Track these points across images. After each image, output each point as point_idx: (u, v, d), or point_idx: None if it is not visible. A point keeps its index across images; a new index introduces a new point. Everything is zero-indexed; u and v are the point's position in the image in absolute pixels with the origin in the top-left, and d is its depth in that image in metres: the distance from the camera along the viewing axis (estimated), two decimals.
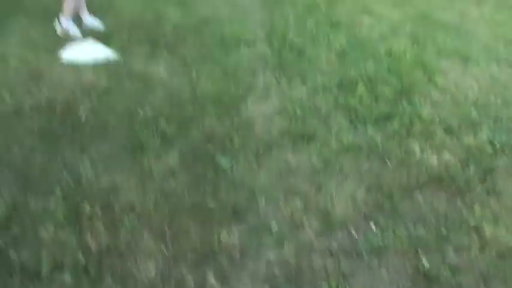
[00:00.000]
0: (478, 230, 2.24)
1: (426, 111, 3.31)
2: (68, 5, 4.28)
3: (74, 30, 4.28)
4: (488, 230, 2.23)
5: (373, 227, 2.26)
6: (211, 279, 1.92)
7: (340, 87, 3.59)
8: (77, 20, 4.43)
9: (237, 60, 3.94)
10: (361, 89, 3.54)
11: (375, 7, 5.32)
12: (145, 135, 2.88)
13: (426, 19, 5.08)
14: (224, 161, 2.67)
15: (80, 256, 1.97)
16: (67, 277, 1.88)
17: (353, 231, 2.22)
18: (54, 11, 4.37)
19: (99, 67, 3.71)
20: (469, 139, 2.99)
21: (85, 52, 3.92)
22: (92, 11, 4.68)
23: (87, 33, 4.28)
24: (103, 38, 4.17)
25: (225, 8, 5.05)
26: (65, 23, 4.26)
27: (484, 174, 2.68)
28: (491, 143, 2.98)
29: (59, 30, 4.26)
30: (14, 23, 4.43)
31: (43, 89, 3.35)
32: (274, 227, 2.21)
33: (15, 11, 4.69)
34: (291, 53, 4.13)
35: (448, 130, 3.10)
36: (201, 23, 4.63)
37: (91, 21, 4.49)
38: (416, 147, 2.91)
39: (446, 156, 2.81)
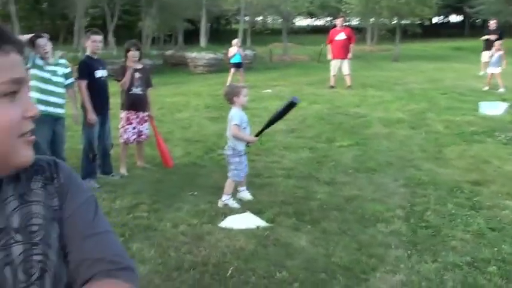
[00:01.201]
0: None
1: None
2: (229, 187, 5.08)
3: (233, 204, 5.02)
4: None
5: None
6: None
7: (470, 266, 3.72)
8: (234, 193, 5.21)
9: (373, 235, 4.28)
10: (492, 268, 3.64)
11: None
12: None
13: None
14: None
15: None
16: None
17: None
18: (221, 187, 5.20)
19: (250, 235, 4.29)
20: None
21: (240, 222, 4.58)
22: (252, 187, 5.47)
23: (245, 207, 4.98)
24: (257, 211, 4.83)
25: (369, 188, 5.52)
26: (226, 198, 5.04)
27: None
28: None
29: (220, 203, 5.04)
30: (187, 196, 5.33)
31: (201, 250, 3.99)
32: None
33: (189, 186, 5.65)
34: (426, 231, 4.37)
35: None
36: (345, 201, 5.12)
37: (245, 194, 5.23)
38: None
39: None
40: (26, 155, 0.91)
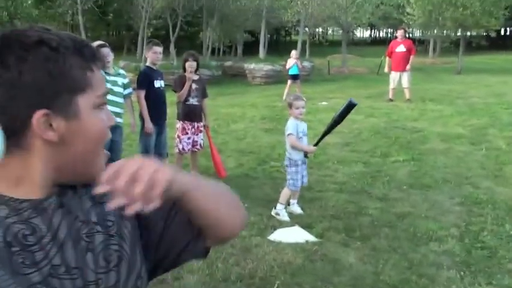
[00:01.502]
0: None
1: None
2: (284, 196, 5.10)
3: (284, 215, 5.03)
4: None
5: None
6: None
7: None
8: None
9: (424, 254, 4.18)
10: None
11: None
12: None
13: None
14: None
15: None
16: None
17: None
18: (272, 200, 5.21)
19: (298, 249, 4.28)
20: None
21: (289, 235, 4.57)
22: (303, 201, 5.45)
23: (294, 220, 4.97)
24: (306, 225, 4.81)
25: (423, 205, 5.39)
26: (279, 208, 5.06)
27: None
28: None
29: (273, 211, 5.07)
30: None
31: (249, 262, 4.01)
32: None
33: (240, 197, 5.63)
34: (481, 252, 4.22)
35: None
36: (397, 218, 5.02)
37: (295, 208, 5.23)
38: None
39: None
40: (102, 166, 0.97)
